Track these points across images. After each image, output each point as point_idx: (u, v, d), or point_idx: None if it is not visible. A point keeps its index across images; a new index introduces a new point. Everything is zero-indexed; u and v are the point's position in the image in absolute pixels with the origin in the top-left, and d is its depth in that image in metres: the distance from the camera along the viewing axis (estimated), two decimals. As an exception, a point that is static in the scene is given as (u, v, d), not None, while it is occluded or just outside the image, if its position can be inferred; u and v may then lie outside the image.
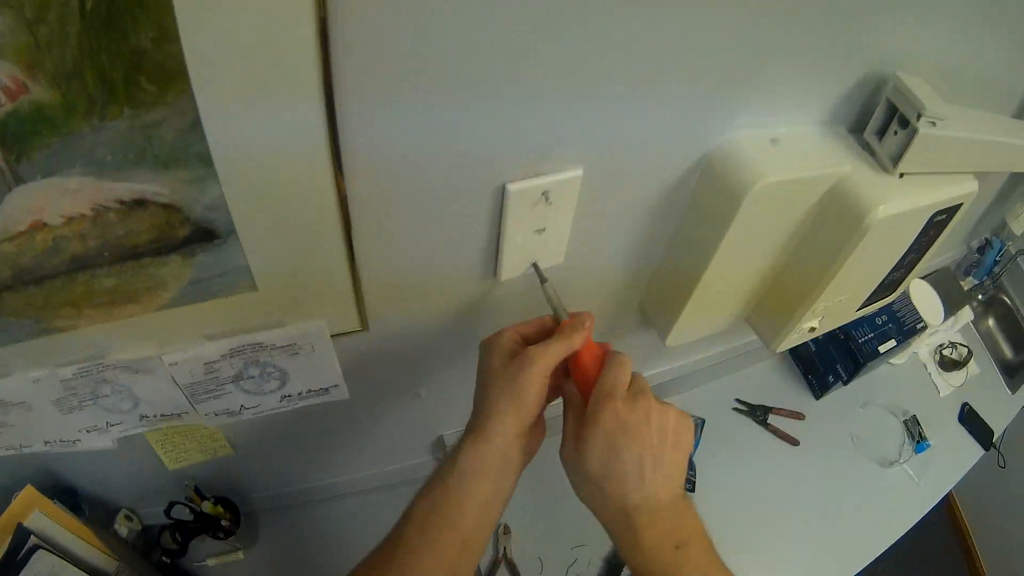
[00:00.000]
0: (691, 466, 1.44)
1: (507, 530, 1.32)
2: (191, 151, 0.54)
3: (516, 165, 0.68)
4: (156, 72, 0.48)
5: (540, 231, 0.76)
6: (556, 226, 0.78)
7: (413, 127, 0.59)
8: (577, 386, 0.72)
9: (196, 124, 0.52)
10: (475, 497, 0.67)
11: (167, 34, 0.45)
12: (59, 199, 0.55)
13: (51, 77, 0.46)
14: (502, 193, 0.70)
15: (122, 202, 0.57)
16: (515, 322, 0.76)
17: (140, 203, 0.57)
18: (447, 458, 0.69)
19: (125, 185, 0.55)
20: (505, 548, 1.30)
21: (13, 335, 0.69)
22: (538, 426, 0.72)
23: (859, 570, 1.36)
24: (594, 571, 1.30)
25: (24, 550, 0.93)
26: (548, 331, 0.74)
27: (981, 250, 1.80)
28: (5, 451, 0.89)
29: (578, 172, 0.71)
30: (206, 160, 0.55)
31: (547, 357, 0.69)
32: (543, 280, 0.78)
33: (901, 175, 0.79)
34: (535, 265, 0.80)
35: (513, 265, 0.80)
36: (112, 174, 0.54)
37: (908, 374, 1.74)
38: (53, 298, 0.65)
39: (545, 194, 0.71)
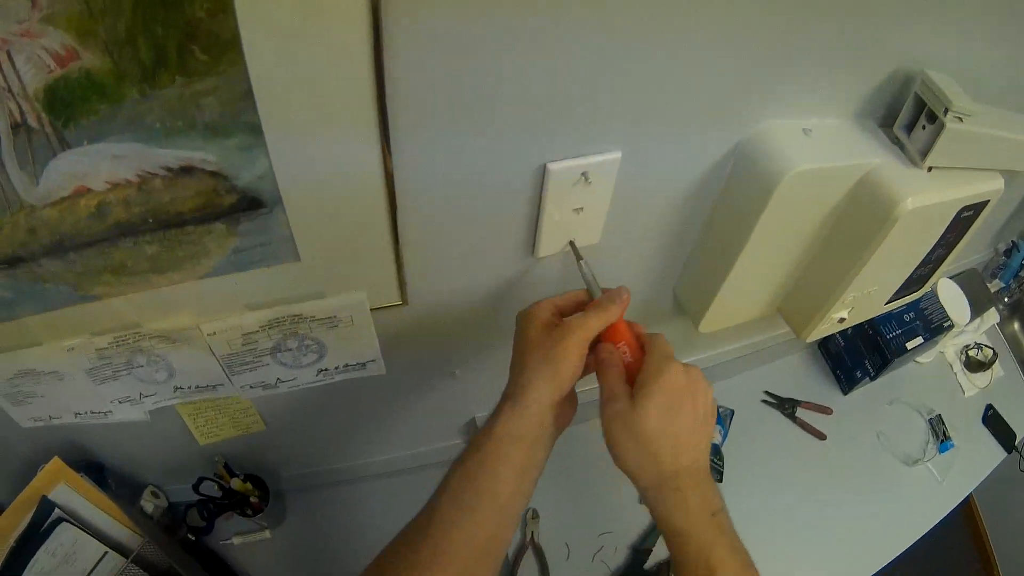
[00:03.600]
0: (719, 456, 1.44)
1: (535, 515, 1.32)
2: (241, 120, 0.54)
3: (557, 145, 0.69)
4: (209, 42, 0.48)
5: (578, 210, 0.77)
6: (594, 206, 0.78)
7: (459, 104, 0.60)
8: None
9: (248, 94, 0.52)
10: (512, 464, 0.67)
11: (222, 5, 0.46)
12: (105, 165, 0.55)
13: (103, 45, 0.46)
14: (543, 172, 0.71)
15: (169, 169, 0.57)
16: (551, 298, 0.77)
17: (187, 170, 0.57)
18: (483, 427, 0.70)
19: (172, 152, 0.56)
20: (533, 533, 1.30)
21: (49, 302, 0.70)
22: (571, 398, 0.73)
23: (880, 568, 1.35)
24: (620, 557, 1.30)
25: (48, 522, 0.94)
26: (582, 305, 0.75)
27: (1008, 253, 1.79)
28: (34, 423, 0.89)
29: (617, 154, 0.72)
30: (256, 129, 0.55)
31: (586, 328, 0.69)
32: (579, 258, 0.78)
33: (929, 169, 0.80)
34: (572, 243, 0.81)
35: (551, 243, 0.81)
36: (160, 141, 0.54)
37: (934, 373, 1.73)
38: (93, 264, 0.65)
39: (585, 174, 0.72)
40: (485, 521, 0.66)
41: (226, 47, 0.48)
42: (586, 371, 0.72)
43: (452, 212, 0.73)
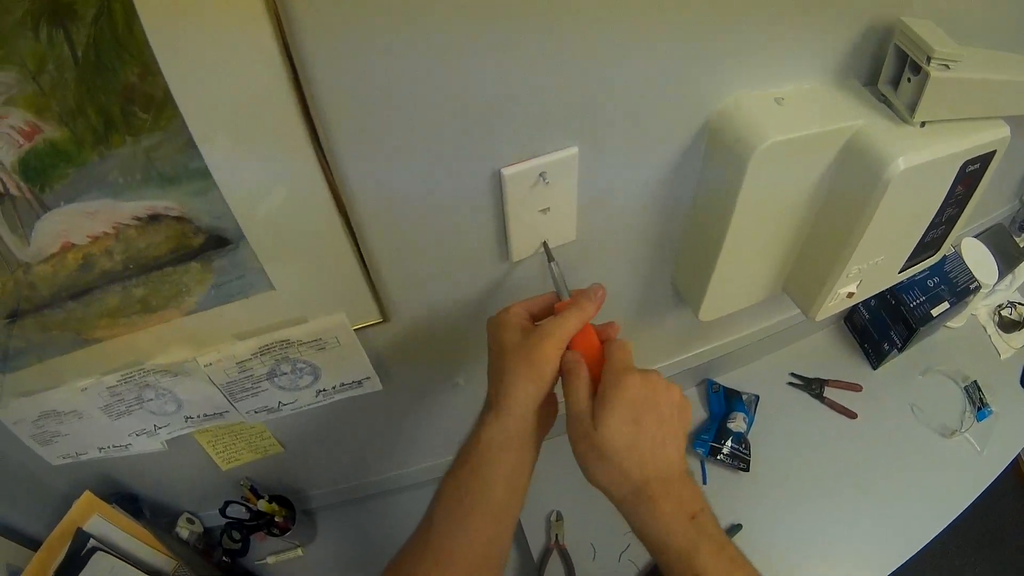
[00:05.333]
0: (745, 445, 1.40)
1: (559, 517, 1.32)
2: (190, 167, 0.59)
3: (509, 148, 0.68)
4: (147, 102, 0.54)
5: (545, 210, 0.76)
6: (561, 204, 0.77)
7: (393, 119, 0.60)
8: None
9: (190, 143, 0.57)
10: (501, 471, 0.68)
11: (150, 69, 0.51)
12: (82, 221, 0.62)
13: (59, 117, 0.53)
14: (499, 178, 0.70)
15: (138, 218, 0.63)
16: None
17: (155, 218, 0.63)
18: (469, 436, 0.70)
19: (138, 203, 0.61)
20: (557, 535, 1.30)
21: (58, 348, 0.77)
22: (550, 399, 0.72)
23: (923, 545, 1.30)
24: (647, 555, 1.27)
25: (84, 552, 0.99)
26: (552, 307, 0.74)
27: (1034, 203, 1.71)
28: (63, 459, 0.96)
29: (574, 150, 0.71)
30: (205, 173, 0.60)
31: (564, 329, 0.69)
32: (550, 259, 0.78)
33: (922, 124, 0.76)
34: (545, 244, 0.81)
35: (523, 245, 0.80)
36: (125, 194, 0.60)
37: (967, 337, 1.65)
38: (90, 310, 0.72)
39: (542, 175, 0.71)
40: (481, 528, 0.67)
41: (162, 104, 0.54)
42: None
43: (414, 225, 0.73)
